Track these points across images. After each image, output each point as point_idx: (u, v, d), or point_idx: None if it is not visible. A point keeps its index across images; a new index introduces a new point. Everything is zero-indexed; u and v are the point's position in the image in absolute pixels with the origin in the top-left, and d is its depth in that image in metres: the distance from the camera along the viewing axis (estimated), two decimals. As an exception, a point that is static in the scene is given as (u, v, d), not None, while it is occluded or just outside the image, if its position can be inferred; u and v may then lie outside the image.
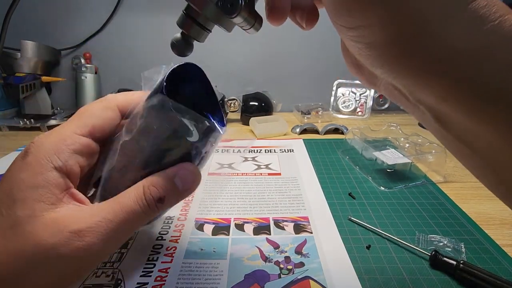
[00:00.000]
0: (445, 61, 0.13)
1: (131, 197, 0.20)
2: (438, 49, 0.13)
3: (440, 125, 0.16)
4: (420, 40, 0.13)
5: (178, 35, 0.23)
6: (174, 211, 0.36)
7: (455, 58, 0.13)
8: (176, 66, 0.21)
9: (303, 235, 0.33)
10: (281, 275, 0.28)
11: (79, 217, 0.19)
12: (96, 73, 0.73)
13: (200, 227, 0.34)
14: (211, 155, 0.24)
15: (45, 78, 0.65)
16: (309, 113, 0.72)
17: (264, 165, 0.48)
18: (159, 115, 0.20)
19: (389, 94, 0.19)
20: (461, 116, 0.14)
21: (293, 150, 0.54)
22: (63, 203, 0.19)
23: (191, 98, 0.23)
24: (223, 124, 0.24)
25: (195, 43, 0.23)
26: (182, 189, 0.21)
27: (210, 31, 0.23)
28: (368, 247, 0.31)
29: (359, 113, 0.75)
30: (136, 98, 0.23)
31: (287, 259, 0.29)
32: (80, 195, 0.20)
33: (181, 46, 0.23)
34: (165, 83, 0.19)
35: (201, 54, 0.76)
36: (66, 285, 0.19)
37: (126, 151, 0.21)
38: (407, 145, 0.51)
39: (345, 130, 0.63)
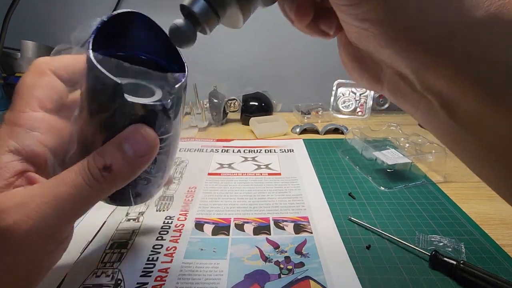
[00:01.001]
0: (450, 35, 0.13)
1: (74, 169, 0.18)
2: (443, 18, 0.13)
3: (447, 114, 0.15)
4: (421, 14, 0.13)
5: (180, 20, 0.18)
6: (174, 211, 0.36)
7: (459, 33, 0.13)
8: (109, 16, 0.18)
9: (303, 235, 0.33)
10: (281, 275, 0.28)
11: (12, 196, 0.17)
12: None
13: (200, 227, 0.34)
14: (181, 114, 0.21)
15: (45, 78, 0.65)
16: (309, 113, 0.72)
17: (264, 165, 0.48)
18: (90, 76, 0.17)
19: (394, 88, 0.18)
20: (471, 99, 0.14)
21: (293, 150, 0.54)
22: (14, 186, 0.17)
23: (136, 54, 0.20)
24: (183, 72, 0.20)
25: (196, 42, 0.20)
26: (134, 155, 0.18)
27: (219, 21, 0.19)
28: (368, 247, 0.31)
29: (359, 113, 0.75)
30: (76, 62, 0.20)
31: (287, 259, 0.29)
32: (41, 179, 0.18)
33: (187, 32, 0.18)
34: (92, 36, 0.17)
35: (201, 54, 0.76)
36: (22, 273, 0.18)
37: (78, 128, 0.19)
38: (407, 145, 0.51)
39: (345, 130, 0.63)
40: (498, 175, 0.15)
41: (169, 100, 0.18)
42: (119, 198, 0.22)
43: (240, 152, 0.53)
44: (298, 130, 0.64)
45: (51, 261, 0.19)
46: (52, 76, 0.20)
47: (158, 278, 0.27)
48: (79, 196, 0.17)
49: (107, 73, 0.16)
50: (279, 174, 0.46)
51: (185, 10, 0.18)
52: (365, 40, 0.16)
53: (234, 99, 0.68)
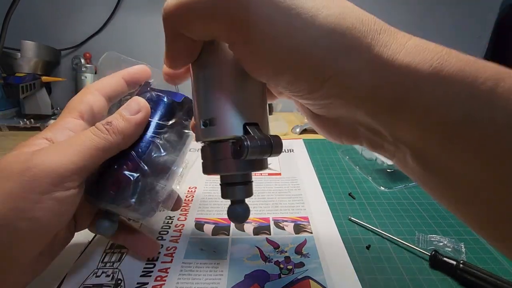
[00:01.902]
0: (405, 93, 0.14)
1: (86, 130, 0.23)
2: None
3: (420, 165, 0.16)
4: (374, 85, 0.15)
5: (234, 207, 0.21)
6: (174, 211, 0.36)
7: (412, 90, 0.14)
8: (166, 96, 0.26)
9: (303, 235, 0.33)
10: (281, 275, 0.28)
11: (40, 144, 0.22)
12: (96, 73, 0.73)
13: (200, 227, 0.34)
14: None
15: (45, 78, 0.65)
16: (309, 113, 0.71)
17: (264, 165, 0.48)
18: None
19: (371, 142, 0.19)
20: (436, 149, 0.15)
21: (293, 150, 0.54)
22: None
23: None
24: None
25: None
26: (129, 114, 0.24)
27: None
28: (368, 247, 0.31)
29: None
30: (113, 84, 0.27)
31: (287, 259, 0.29)
32: None
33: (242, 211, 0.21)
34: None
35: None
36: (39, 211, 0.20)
37: None
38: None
39: (345, 130, 0.63)
40: (465, 211, 0.17)
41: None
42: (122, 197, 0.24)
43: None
44: (298, 130, 0.64)
45: (58, 207, 0.21)
46: (95, 94, 0.26)
47: (158, 278, 0.27)
48: (89, 143, 0.22)
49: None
50: (279, 174, 0.46)
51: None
52: (333, 110, 0.18)
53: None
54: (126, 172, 0.24)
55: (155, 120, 0.25)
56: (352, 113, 0.17)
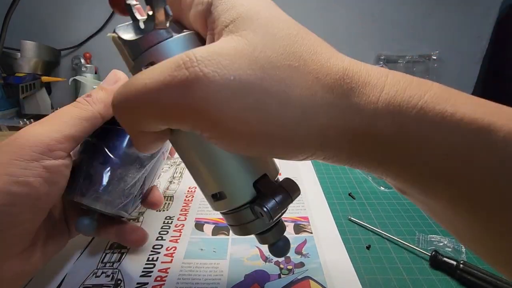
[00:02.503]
0: (388, 144, 0.14)
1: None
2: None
3: (404, 195, 0.17)
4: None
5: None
6: (174, 211, 0.36)
7: (394, 138, 0.14)
8: None
9: (303, 235, 0.33)
10: (281, 275, 0.28)
11: None
12: (96, 73, 0.73)
13: (200, 227, 0.34)
14: None
15: (45, 78, 0.65)
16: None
17: (264, 165, 0.48)
18: None
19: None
20: (413, 190, 0.15)
21: (293, 150, 0.54)
22: None
23: None
24: None
25: None
26: (107, 86, 0.25)
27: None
28: (368, 247, 0.31)
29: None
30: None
31: (287, 259, 0.29)
32: None
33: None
34: None
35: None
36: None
37: None
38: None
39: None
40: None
41: None
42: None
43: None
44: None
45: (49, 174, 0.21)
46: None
47: (158, 278, 0.27)
48: (71, 114, 0.23)
49: None
50: (279, 174, 0.46)
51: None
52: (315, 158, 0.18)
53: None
54: (97, 165, 0.25)
55: None
56: (336, 163, 0.17)
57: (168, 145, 0.30)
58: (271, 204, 0.17)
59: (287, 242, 0.21)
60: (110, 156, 0.25)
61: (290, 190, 0.18)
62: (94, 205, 0.25)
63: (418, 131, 0.14)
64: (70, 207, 0.27)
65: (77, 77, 0.28)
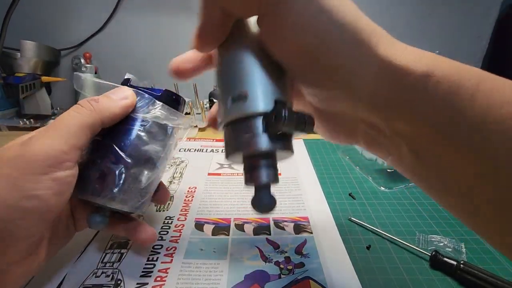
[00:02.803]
0: (404, 93, 0.16)
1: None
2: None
3: (413, 155, 0.18)
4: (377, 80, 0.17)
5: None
6: (174, 211, 0.36)
7: (409, 90, 0.16)
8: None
9: (303, 235, 0.33)
10: (281, 275, 0.28)
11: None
12: (96, 73, 0.73)
13: (200, 227, 0.34)
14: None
15: (45, 78, 0.65)
16: (309, 113, 0.71)
17: (264, 165, 0.48)
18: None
19: (368, 139, 0.20)
20: (427, 140, 0.16)
21: (293, 150, 0.54)
22: None
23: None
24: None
25: None
26: (114, 97, 0.25)
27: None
28: (368, 247, 0.31)
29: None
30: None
31: (287, 259, 0.29)
32: None
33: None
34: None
35: (201, 54, 0.75)
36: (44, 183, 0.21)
37: None
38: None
39: (345, 130, 0.63)
40: (453, 204, 0.18)
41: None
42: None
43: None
44: (298, 130, 0.64)
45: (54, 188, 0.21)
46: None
47: (158, 278, 0.27)
48: (74, 121, 0.22)
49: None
50: (279, 174, 0.46)
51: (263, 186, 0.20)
52: (337, 103, 0.19)
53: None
54: (109, 165, 0.24)
55: (135, 114, 0.26)
56: (354, 106, 0.18)
57: (176, 147, 0.30)
58: (290, 113, 0.17)
59: (272, 197, 0.20)
60: (122, 156, 0.25)
61: (307, 120, 0.18)
62: (110, 204, 0.25)
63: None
64: (77, 203, 0.27)
65: (79, 73, 0.27)
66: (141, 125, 0.26)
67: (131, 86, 0.28)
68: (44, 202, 0.21)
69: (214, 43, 0.20)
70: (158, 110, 0.27)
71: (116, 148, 0.25)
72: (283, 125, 0.16)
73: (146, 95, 0.27)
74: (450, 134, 0.16)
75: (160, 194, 0.30)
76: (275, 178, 0.20)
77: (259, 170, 0.19)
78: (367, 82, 0.17)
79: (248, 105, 0.18)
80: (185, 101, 0.29)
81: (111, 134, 0.25)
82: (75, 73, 0.28)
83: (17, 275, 0.22)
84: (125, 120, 0.26)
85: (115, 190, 0.24)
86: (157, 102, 0.27)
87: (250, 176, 0.20)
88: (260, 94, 0.18)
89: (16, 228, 0.20)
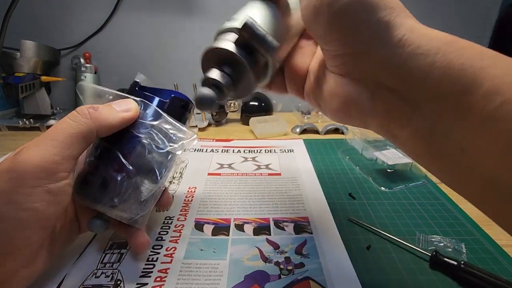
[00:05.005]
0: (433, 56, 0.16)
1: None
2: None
3: (432, 121, 0.17)
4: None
5: (206, 89, 0.21)
6: (174, 211, 0.36)
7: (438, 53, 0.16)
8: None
9: (303, 235, 0.33)
10: (281, 275, 0.28)
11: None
12: (95, 73, 0.73)
13: (200, 227, 0.34)
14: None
15: (44, 78, 0.65)
16: (309, 113, 0.71)
17: (264, 165, 0.48)
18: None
19: (387, 104, 0.19)
20: (451, 111, 0.16)
21: (293, 150, 0.54)
22: None
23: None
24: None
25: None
26: (117, 108, 0.24)
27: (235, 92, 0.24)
28: (368, 248, 0.31)
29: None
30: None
31: (287, 259, 0.29)
32: None
33: (213, 98, 0.21)
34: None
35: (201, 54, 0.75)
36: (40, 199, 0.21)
37: None
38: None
39: (345, 130, 0.63)
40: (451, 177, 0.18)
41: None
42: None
43: (240, 152, 0.53)
44: (298, 130, 0.64)
45: (48, 206, 0.21)
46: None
47: (158, 279, 0.27)
48: (70, 131, 0.22)
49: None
50: (279, 174, 0.46)
51: (210, 81, 0.21)
52: (360, 64, 0.19)
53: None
54: (111, 173, 0.24)
55: (141, 120, 0.25)
56: (377, 70, 0.18)
57: (179, 161, 0.30)
58: (254, 30, 0.20)
59: (213, 93, 0.21)
60: (125, 164, 0.24)
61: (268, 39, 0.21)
62: (109, 213, 0.25)
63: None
64: (82, 206, 0.27)
65: (82, 83, 0.26)
66: (146, 132, 0.25)
67: (140, 88, 0.27)
68: (41, 213, 0.21)
69: None
70: (163, 123, 0.26)
71: (120, 156, 0.24)
72: (247, 39, 0.20)
73: (153, 106, 0.26)
74: (466, 107, 0.15)
75: (163, 199, 0.30)
76: (225, 81, 0.22)
77: (212, 70, 0.22)
78: (389, 54, 0.17)
79: (231, 23, 0.22)
80: (193, 105, 0.29)
81: (116, 140, 0.25)
82: (78, 83, 0.27)
83: (18, 284, 0.22)
84: (131, 127, 0.25)
85: (116, 199, 0.24)
86: (164, 115, 0.26)
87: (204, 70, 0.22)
88: (242, 18, 0.21)
89: (14, 239, 0.20)
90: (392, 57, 0.17)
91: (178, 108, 0.28)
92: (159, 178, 0.26)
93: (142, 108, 0.26)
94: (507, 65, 0.15)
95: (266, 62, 0.22)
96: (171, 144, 0.26)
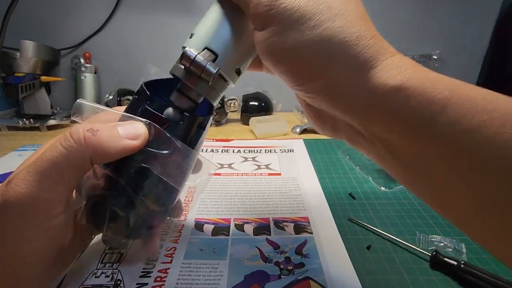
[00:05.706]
0: (376, 101, 0.18)
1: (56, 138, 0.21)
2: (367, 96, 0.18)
3: (391, 155, 0.19)
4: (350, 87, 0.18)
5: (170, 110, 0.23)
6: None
7: (380, 101, 0.17)
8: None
9: (303, 235, 0.33)
10: (281, 275, 0.27)
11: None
12: (95, 73, 0.73)
13: (200, 227, 0.34)
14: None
15: (44, 78, 0.65)
16: (309, 113, 0.71)
17: (264, 165, 0.48)
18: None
19: (350, 137, 0.22)
20: (403, 142, 0.17)
21: (293, 150, 0.54)
22: None
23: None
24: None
25: None
26: (121, 133, 0.20)
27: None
28: (368, 248, 0.31)
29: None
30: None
31: (287, 259, 0.29)
32: None
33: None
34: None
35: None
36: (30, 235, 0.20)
37: None
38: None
39: (345, 130, 0.63)
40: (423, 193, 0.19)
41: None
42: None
43: (240, 152, 0.53)
44: (298, 130, 0.64)
45: (43, 236, 0.20)
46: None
47: (158, 279, 0.27)
48: (56, 158, 0.19)
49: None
50: (279, 174, 0.46)
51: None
52: (317, 104, 0.21)
53: (234, 99, 0.68)
54: (119, 207, 0.23)
55: (150, 149, 0.21)
56: (332, 110, 0.20)
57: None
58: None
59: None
60: (135, 198, 0.22)
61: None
62: (118, 248, 0.26)
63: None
64: None
65: (80, 101, 0.23)
66: (157, 165, 0.22)
67: (151, 102, 0.22)
68: (47, 246, 0.20)
69: None
70: (175, 155, 0.22)
71: (131, 192, 0.22)
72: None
73: (165, 134, 0.21)
74: (421, 142, 0.17)
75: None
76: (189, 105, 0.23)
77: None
78: (346, 93, 0.18)
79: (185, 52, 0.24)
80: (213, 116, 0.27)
81: (124, 170, 0.22)
82: (76, 102, 0.23)
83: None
84: (138, 155, 0.21)
85: (123, 237, 0.24)
86: (176, 143, 0.22)
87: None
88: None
89: (23, 270, 0.20)
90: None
91: (196, 128, 0.24)
92: (172, 203, 0.26)
93: (151, 131, 0.21)
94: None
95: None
96: (186, 163, 0.23)
